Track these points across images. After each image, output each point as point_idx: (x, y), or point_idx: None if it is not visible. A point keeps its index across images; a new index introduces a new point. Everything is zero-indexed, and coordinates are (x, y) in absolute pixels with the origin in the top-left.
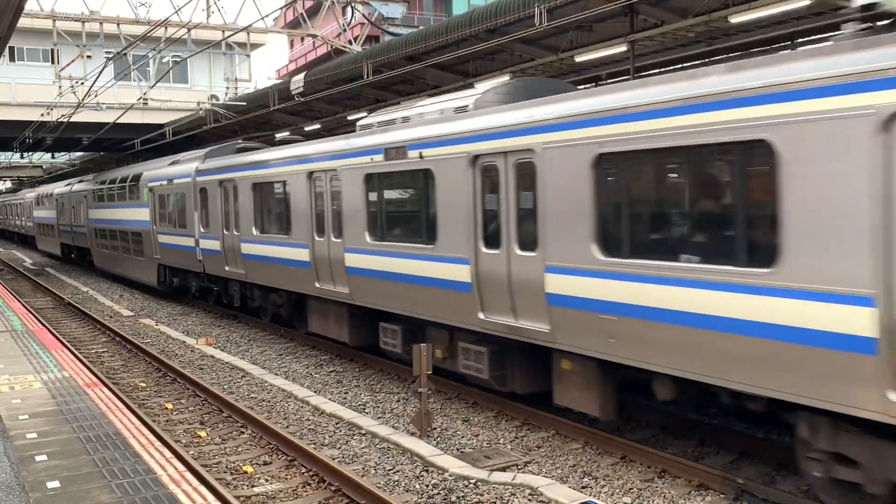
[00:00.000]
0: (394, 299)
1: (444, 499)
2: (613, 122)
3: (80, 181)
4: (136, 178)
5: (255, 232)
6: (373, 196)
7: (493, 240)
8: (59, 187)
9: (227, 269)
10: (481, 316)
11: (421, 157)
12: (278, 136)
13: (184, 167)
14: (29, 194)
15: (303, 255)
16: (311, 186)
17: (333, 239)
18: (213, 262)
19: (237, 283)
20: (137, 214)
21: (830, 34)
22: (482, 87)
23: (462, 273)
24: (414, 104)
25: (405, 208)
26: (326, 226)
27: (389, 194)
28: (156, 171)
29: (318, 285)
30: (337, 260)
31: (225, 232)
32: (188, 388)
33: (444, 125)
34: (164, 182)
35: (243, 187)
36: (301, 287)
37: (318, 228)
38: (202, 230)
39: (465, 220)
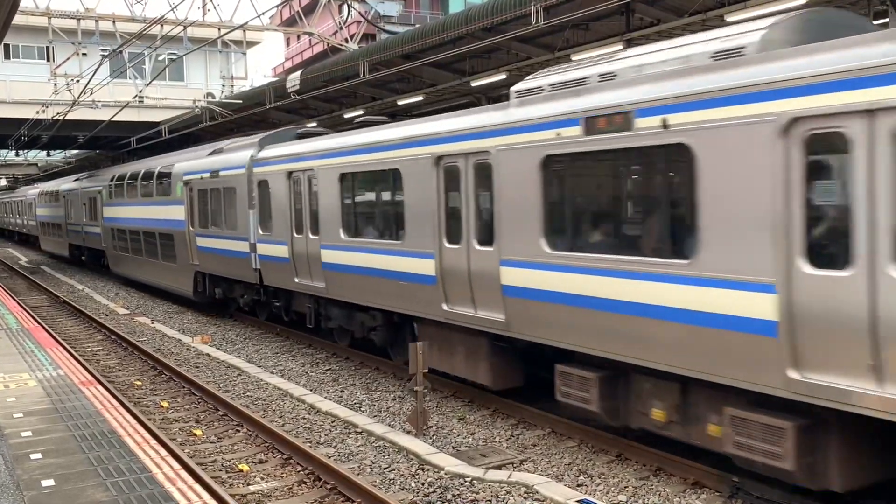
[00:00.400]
0: (590, 335)
1: (440, 497)
2: None
3: (90, 175)
4: (167, 170)
5: (343, 236)
6: (555, 186)
7: (827, 253)
8: (67, 183)
9: (297, 280)
10: (793, 375)
11: (664, 126)
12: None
13: (233, 156)
14: (31, 191)
15: (424, 267)
16: (440, 176)
17: (478, 247)
18: (277, 272)
19: (311, 298)
20: (168, 213)
21: None
22: (762, 21)
23: (755, 305)
24: (614, 56)
25: (624, 204)
26: (466, 229)
27: (589, 183)
28: (193, 161)
29: (446, 308)
30: (483, 275)
31: (296, 235)
32: (184, 387)
33: (715, 75)
34: (206, 174)
35: (325, 179)
36: (416, 308)
37: (451, 232)
38: (261, 232)
39: (763, 222)
